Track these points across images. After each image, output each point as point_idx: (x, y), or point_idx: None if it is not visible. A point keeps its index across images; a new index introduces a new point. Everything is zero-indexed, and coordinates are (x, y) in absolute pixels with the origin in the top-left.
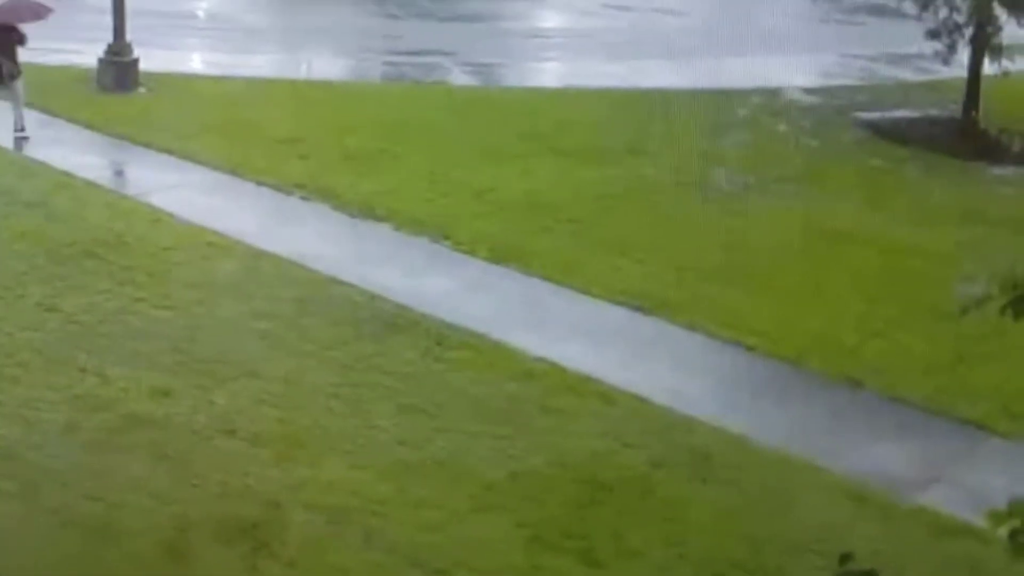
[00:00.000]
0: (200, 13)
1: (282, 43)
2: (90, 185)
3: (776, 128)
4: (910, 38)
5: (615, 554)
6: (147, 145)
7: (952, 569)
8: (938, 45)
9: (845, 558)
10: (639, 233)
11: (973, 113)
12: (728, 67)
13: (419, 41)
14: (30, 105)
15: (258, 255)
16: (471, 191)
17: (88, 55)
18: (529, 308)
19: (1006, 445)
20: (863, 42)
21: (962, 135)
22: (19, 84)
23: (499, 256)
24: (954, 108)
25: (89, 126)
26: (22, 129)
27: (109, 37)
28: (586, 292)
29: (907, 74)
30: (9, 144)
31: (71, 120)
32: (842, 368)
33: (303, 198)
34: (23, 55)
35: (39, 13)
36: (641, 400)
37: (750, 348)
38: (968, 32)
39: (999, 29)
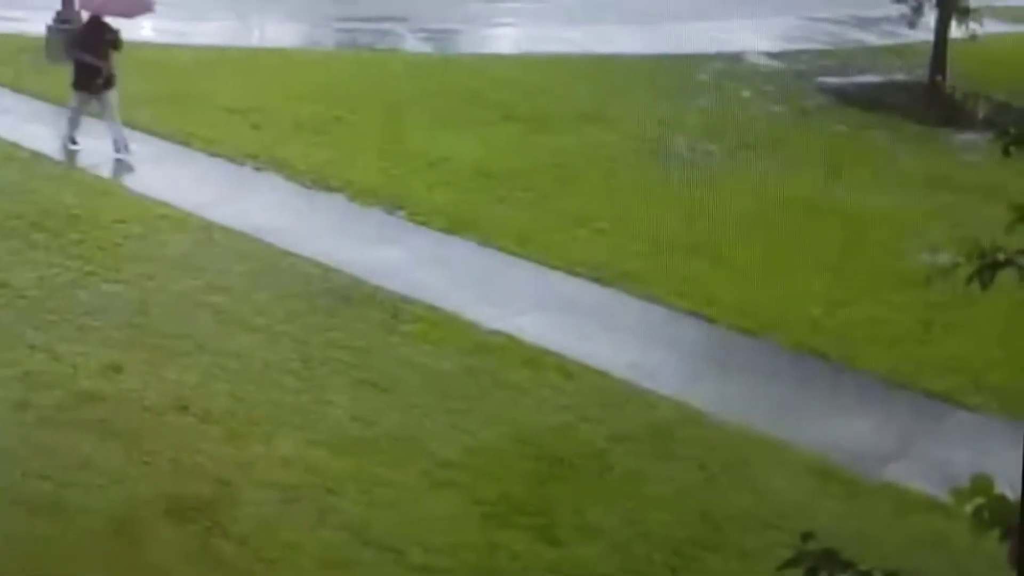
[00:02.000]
0: None
1: (234, 10)
2: (38, 156)
3: (739, 94)
4: (876, 1)
5: (573, 531)
6: (96, 115)
7: (918, 545)
8: (904, 8)
9: (806, 537)
10: (598, 202)
11: (939, 78)
12: (690, 31)
13: (373, 7)
14: None
15: (210, 227)
16: (426, 160)
17: (36, 23)
18: (486, 280)
19: (973, 418)
20: (828, 5)
21: (928, 100)
22: (113, 95)
23: (455, 226)
24: (920, 73)
25: (37, 96)
26: (125, 148)
27: (57, 4)
28: (544, 263)
29: (873, 38)
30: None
31: (17, 89)
32: (806, 340)
33: (256, 168)
34: None
35: (146, 5)
36: (600, 374)
37: (712, 320)
38: None
39: None
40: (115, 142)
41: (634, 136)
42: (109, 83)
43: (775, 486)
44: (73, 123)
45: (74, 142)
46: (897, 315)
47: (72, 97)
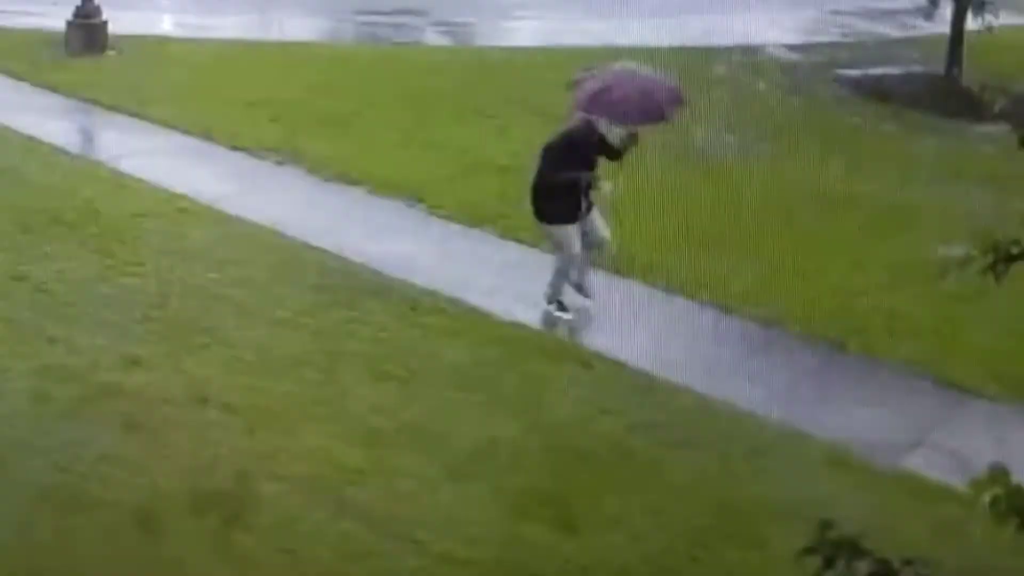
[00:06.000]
0: None
1: (254, 4)
2: (58, 151)
3: (756, 87)
4: None
5: (593, 522)
6: (116, 109)
7: (936, 535)
8: (921, 0)
9: (825, 525)
10: (618, 194)
11: (956, 70)
12: (708, 24)
13: (393, 1)
14: None
15: (230, 221)
16: (447, 153)
17: (55, 18)
18: (506, 272)
19: (992, 408)
20: None
21: (945, 92)
22: (595, 221)
23: (475, 219)
24: (937, 65)
25: (56, 90)
26: (587, 293)
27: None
28: None
29: (889, 30)
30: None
31: (37, 84)
32: (824, 330)
33: (277, 162)
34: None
35: (676, 101)
36: (620, 365)
37: (729, 310)
38: None
39: None
40: (581, 282)
41: (652, 128)
42: (591, 205)
43: (794, 475)
44: (572, 272)
45: (563, 307)
46: (914, 306)
47: (551, 236)
